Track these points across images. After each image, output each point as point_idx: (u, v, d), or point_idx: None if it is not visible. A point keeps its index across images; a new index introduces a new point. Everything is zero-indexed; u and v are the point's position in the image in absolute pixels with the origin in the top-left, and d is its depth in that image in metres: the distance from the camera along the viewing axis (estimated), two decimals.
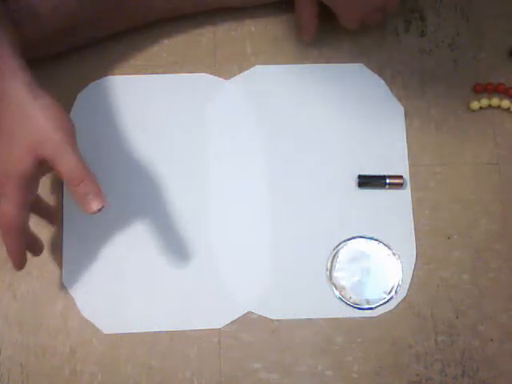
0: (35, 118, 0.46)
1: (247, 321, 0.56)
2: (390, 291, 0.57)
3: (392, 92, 0.61)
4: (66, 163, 0.47)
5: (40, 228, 0.55)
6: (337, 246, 0.58)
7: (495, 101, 0.60)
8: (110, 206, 0.58)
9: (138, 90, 0.61)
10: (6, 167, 0.47)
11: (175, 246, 0.57)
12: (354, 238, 0.58)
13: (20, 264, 0.51)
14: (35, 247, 0.54)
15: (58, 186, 0.58)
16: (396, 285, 0.57)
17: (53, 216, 0.57)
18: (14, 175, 0.47)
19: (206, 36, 0.62)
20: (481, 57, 0.62)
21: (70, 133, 0.48)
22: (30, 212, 0.50)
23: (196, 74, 0.61)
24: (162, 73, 0.61)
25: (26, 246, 0.51)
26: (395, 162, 0.59)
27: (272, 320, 0.56)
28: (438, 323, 0.56)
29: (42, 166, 0.48)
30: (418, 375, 0.55)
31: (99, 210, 0.47)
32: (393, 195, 0.59)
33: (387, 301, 0.57)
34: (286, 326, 0.56)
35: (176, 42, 0.62)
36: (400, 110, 0.60)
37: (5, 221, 0.48)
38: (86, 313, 0.56)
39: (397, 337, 0.56)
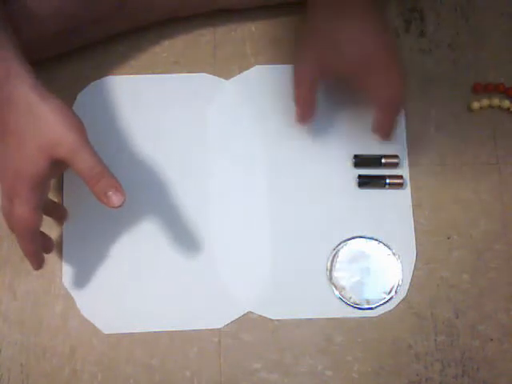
0: (46, 119, 0.46)
1: (247, 321, 0.56)
2: (390, 291, 0.57)
3: None
4: (85, 162, 0.47)
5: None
6: (337, 246, 0.58)
7: (495, 101, 0.60)
8: (109, 208, 0.58)
9: (138, 90, 0.61)
10: (19, 169, 0.47)
11: (175, 246, 0.57)
12: (353, 237, 0.58)
13: (39, 264, 0.52)
14: (46, 245, 0.54)
15: (58, 186, 0.58)
16: (396, 285, 0.57)
17: (61, 213, 0.57)
18: (27, 177, 0.47)
19: (206, 36, 0.62)
20: (481, 57, 0.62)
21: (83, 132, 0.48)
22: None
23: (196, 74, 0.61)
24: (162, 73, 0.61)
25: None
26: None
27: (272, 320, 0.56)
28: (438, 323, 0.56)
29: (56, 166, 0.48)
30: (417, 375, 0.55)
31: (121, 205, 0.48)
32: (393, 195, 0.59)
33: (387, 301, 0.57)
34: (286, 326, 0.56)
35: (176, 42, 0.62)
36: None
37: (20, 223, 0.48)
38: (86, 313, 0.56)
39: (397, 337, 0.56)
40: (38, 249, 0.51)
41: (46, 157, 0.47)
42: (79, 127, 0.48)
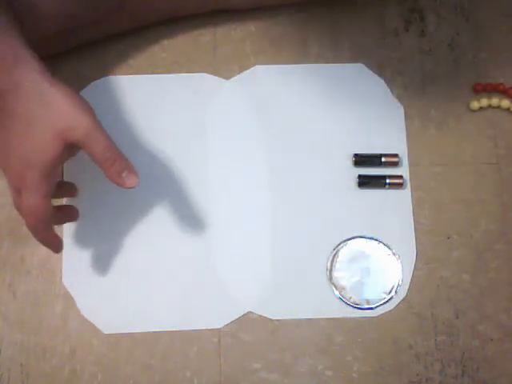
0: (57, 104, 0.46)
1: (247, 321, 0.56)
2: (390, 291, 0.57)
3: (392, 92, 0.61)
4: (100, 145, 0.47)
5: None
6: (337, 246, 0.58)
7: (495, 101, 0.60)
8: (109, 207, 0.58)
9: (138, 90, 0.61)
10: (28, 157, 0.46)
11: (175, 247, 0.57)
12: (353, 237, 0.58)
13: (58, 248, 0.52)
14: (71, 215, 0.55)
15: None
16: (396, 285, 0.57)
17: (70, 190, 0.57)
18: (38, 164, 0.46)
19: (206, 36, 0.62)
20: (481, 57, 0.62)
21: (95, 115, 0.48)
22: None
23: (196, 73, 0.61)
24: (162, 73, 0.61)
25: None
26: None
27: (272, 320, 0.56)
28: (438, 323, 0.56)
29: (67, 151, 0.47)
30: (418, 375, 0.55)
31: (135, 186, 0.49)
32: (393, 195, 0.59)
33: (387, 301, 0.57)
34: (286, 326, 0.56)
35: (176, 42, 0.62)
36: (400, 109, 0.60)
37: (32, 214, 0.48)
38: (86, 313, 0.56)
39: (397, 337, 0.56)
40: (53, 234, 0.51)
41: (60, 142, 0.46)
42: (91, 111, 0.48)
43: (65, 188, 0.56)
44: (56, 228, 0.57)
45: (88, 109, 0.47)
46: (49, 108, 0.46)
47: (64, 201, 0.58)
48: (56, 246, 0.52)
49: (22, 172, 0.47)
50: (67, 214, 0.55)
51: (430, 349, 0.56)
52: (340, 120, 0.60)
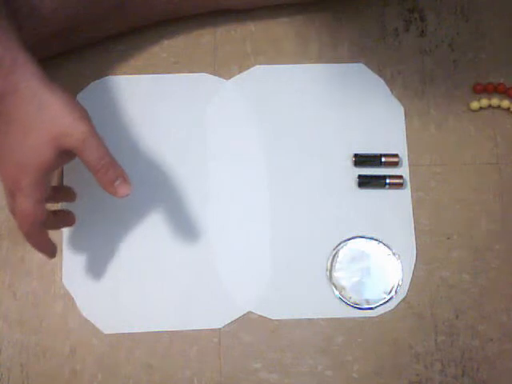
0: (54, 109, 0.46)
1: (247, 321, 0.56)
2: (390, 291, 0.57)
3: (392, 92, 0.61)
4: (94, 153, 0.47)
5: None
6: (337, 246, 0.58)
7: (495, 101, 0.60)
8: (108, 207, 0.58)
9: (138, 90, 0.61)
10: (23, 161, 0.46)
11: (175, 246, 0.57)
12: (353, 237, 0.58)
13: (52, 253, 0.52)
14: (67, 220, 0.55)
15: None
16: (396, 285, 0.57)
17: (69, 195, 0.56)
18: (32, 168, 0.46)
19: (206, 36, 0.62)
20: (481, 57, 0.62)
21: (91, 122, 0.48)
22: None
23: (196, 74, 0.61)
24: (162, 73, 0.61)
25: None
26: None
27: (272, 320, 0.56)
28: (438, 323, 0.56)
29: (61, 157, 0.47)
30: (418, 375, 0.55)
31: (127, 195, 0.48)
32: (393, 195, 0.59)
33: (387, 301, 0.57)
34: (286, 326, 0.56)
35: (176, 42, 0.62)
36: (400, 109, 0.60)
37: (24, 219, 0.47)
38: (86, 313, 0.56)
39: (397, 337, 0.56)
40: (47, 239, 0.50)
41: (53, 147, 0.46)
42: (87, 118, 0.47)
43: (63, 193, 0.56)
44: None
45: (84, 115, 0.47)
46: (45, 113, 0.46)
47: (62, 205, 0.58)
48: (50, 251, 0.51)
49: (17, 176, 0.47)
50: (63, 219, 0.55)
51: (430, 349, 0.56)
52: (340, 120, 0.60)
